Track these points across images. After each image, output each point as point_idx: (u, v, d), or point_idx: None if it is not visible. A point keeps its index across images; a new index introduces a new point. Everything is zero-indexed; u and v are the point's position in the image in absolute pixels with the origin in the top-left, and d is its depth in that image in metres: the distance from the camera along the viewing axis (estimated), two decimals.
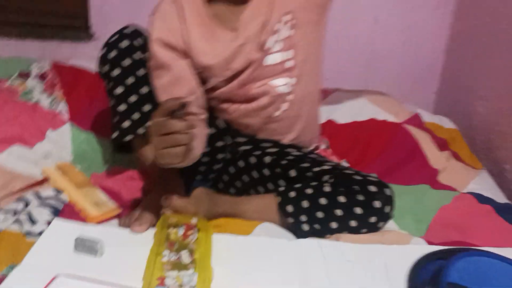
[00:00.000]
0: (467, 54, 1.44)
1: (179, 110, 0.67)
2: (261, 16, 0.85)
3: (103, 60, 0.89)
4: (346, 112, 1.20)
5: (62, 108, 1.08)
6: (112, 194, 0.93)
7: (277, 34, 0.86)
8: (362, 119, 1.18)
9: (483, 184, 1.04)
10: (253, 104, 0.91)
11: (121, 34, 0.89)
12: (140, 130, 0.88)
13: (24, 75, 1.14)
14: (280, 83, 0.90)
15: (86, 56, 1.54)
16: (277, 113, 0.92)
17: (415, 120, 1.22)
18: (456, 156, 1.14)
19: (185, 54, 0.87)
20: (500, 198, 1.01)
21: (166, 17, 0.86)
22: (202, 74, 0.89)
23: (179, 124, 0.68)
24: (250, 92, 0.89)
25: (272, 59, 0.87)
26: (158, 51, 0.86)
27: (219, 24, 0.86)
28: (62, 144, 1.03)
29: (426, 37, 1.56)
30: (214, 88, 0.91)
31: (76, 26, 1.57)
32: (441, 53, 1.57)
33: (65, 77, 1.15)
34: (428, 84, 1.61)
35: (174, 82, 0.87)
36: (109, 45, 0.88)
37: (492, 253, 0.71)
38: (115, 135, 0.89)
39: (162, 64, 0.87)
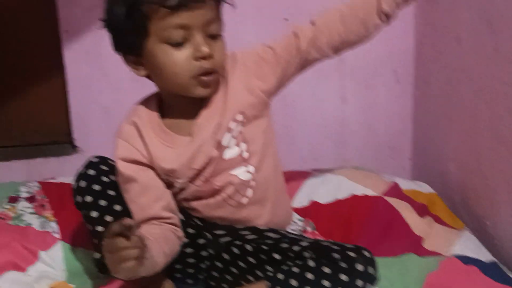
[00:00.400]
0: (433, 119, 1.52)
1: (126, 230, 0.74)
2: (215, 119, 0.94)
3: (75, 191, 0.98)
4: (327, 192, 1.25)
5: (53, 228, 1.11)
6: None
7: (231, 132, 0.95)
8: (344, 197, 1.23)
9: (467, 244, 1.08)
10: (220, 196, 0.97)
11: (87, 164, 0.99)
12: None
13: (14, 199, 1.18)
14: (241, 172, 0.97)
15: (72, 170, 1.59)
16: (244, 200, 0.98)
17: (394, 190, 1.27)
18: (438, 220, 1.19)
19: (149, 165, 0.95)
20: (485, 256, 1.04)
21: (127, 137, 0.95)
22: (168, 179, 0.96)
23: (124, 242, 0.74)
24: (214, 186, 0.96)
25: (229, 153, 0.95)
26: (123, 167, 0.94)
27: (176, 132, 0.95)
28: (55, 264, 1.05)
29: (393, 107, 1.66)
30: (181, 189, 0.97)
31: (60, 142, 1.64)
32: (409, 120, 1.66)
33: (54, 196, 1.19)
34: (402, 150, 1.68)
35: (141, 192, 0.94)
36: (78, 177, 0.98)
37: None
38: (97, 256, 0.95)
39: (128, 178, 0.94)
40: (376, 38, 1.60)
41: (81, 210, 0.98)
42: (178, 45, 0.87)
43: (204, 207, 0.98)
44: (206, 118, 0.94)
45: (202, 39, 0.87)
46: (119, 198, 0.95)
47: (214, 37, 0.89)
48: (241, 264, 0.96)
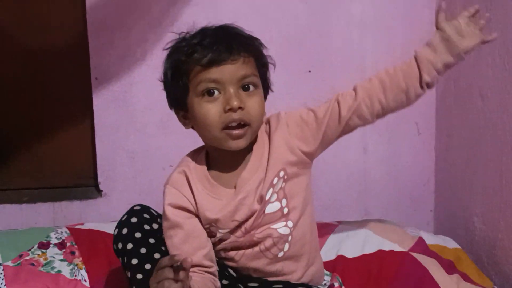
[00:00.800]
0: (455, 172, 1.53)
1: (175, 264, 0.79)
2: (258, 174, 0.97)
3: (116, 239, 1.01)
4: (354, 246, 1.25)
5: (83, 275, 1.12)
6: None
7: (273, 187, 0.98)
8: (371, 251, 1.23)
9: None
10: (258, 248, 0.99)
11: (130, 212, 1.03)
12: None
13: (44, 245, 1.19)
14: (280, 226, 0.99)
15: (96, 214, 1.62)
16: (280, 254, 1.00)
17: (420, 245, 1.26)
18: (465, 277, 1.18)
19: (194, 213, 0.98)
20: None
21: (176, 184, 0.99)
22: (211, 228, 0.99)
23: (172, 273, 0.79)
24: (254, 238, 0.98)
25: (270, 208, 0.98)
26: (171, 213, 0.97)
27: (221, 184, 0.99)
28: None
29: (415, 159, 1.67)
30: (221, 240, 1.00)
31: (86, 185, 1.66)
32: (432, 172, 1.67)
33: (83, 243, 1.21)
34: (424, 202, 1.69)
35: (185, 239, 0.96)
36: (120, 224, 1.01)
37: None
38: None
39: (175, 223, 0.97)
40: None
41: (121, 257, 1.00)
42: (211, 98, 0.92)
43: (241, 257, 1.00)
44: (250, 172, 0.97)
45: (233, 92, 0.91)
46: (159, 246, 0.98)
47: (248, 90, 0.93)
48: None
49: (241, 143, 0.94)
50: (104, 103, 1.58)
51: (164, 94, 1.55)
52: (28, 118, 1.67)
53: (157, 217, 1.03)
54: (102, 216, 1.56)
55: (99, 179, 1.63)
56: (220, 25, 0.96)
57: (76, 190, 1.66)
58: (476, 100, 1.39)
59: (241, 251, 0.99)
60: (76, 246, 1.20)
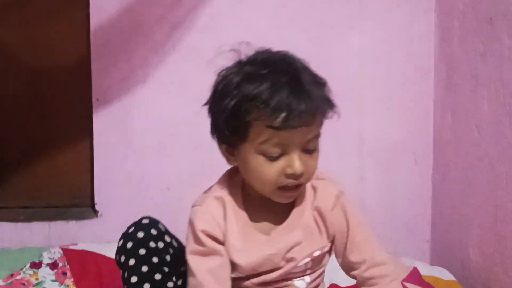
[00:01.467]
0: (452, 204, 1.53)
1: None
2: (296, 235, 0.92)
3: (120, 251, 0.96)
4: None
5: None
6: None
7: (311, 257, 0.94)
8: None
9: None
10: None
11: (137, 225, 0.97)
12: None
13: (36, 265, 1.19)
14: (298, 280, 0.96)
15: (92, 234, 1.61)
16: None
17: (414, 276, 1.26)
18: None
19: (222, 246, 0.92)
20: None
21: (212, 212, 0.91)
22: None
23: None
24: (269, 285, 0.94)
25: (295, 268, 0.94)
26: (206, 240, 0.89)
27: (255, 228, 0.93)
28: None
29: (412, 189, 1.67)
30: (233, 278, 0.94)
31: (82, 205, 1.66)
32: (428, 203, 1.67)
33: (75, 264, 1.20)
34: (420, 233, 1.68)
35: (222, 266, 0.90)
36: (126, 237, 0.96)
37: None
38: None
39: (213, 250, 0.90)
40: (396, 120, 1.67)
41: (121, 270, 0.96)
42: (273, 158, 0.84)
43: None
44: (288, 228, 0.92)
45: (298, 157, 0.84)
46: (161, 267, 0.94)
47: (311, 153, 0.87)
48: None
49: (291, 199, 0.91)
50: (104, 124, 1.60)
51: (163, 116, 1.61)
52: (27, 137, 1.69)
53: (164, 234, 0.97)
54: (97, 236, 1.55)
55: (96, 199, 1.63)
56: (291, 67, 0.86)
57: (72, 210, 1.66)
58: (472, 132, 1.40)
59: None
60: (68, 266, 1.19)
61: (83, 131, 1.64)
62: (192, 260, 0.90)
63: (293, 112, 0.81)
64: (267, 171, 0.85)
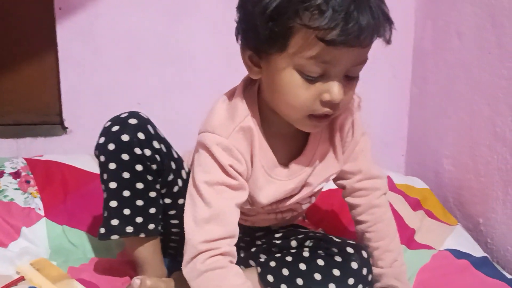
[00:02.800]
0: (429, 116, 1.51)
1: None
2: (314, 162, 0.86)
3: (100, 149, 0.84)
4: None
5: (37, 204, 1.08)
6: (91, 286, 0.92)
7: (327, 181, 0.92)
8: (335, 187, 1.20)
9: (459, 239, 1.07)
10: (274, 215, 0.94)
11: (123, 124, 0.83)
12: (129, 229, 0.85)
13: None
14: (305, 203, 0.95)
15: (60, 150, 1.57)
16: (288, 217, 0.97)
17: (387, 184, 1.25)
18: (430, 214, 1.17)
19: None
20: (477, 251, 1.03)
21: (239, 147, 0.79)
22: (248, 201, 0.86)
23: None
24: (276, 210, 0.92)
25: (311, 192, 0.91)
26: (236, 175, 0.79)
27: (276, 159, 0.84)
28: (37, 240, 1.02)
29: (390, 103, 1.64)
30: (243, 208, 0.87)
31: (50, 122, 1.60)
32: (405, 116, 1.65)
33: (39, 173, 1.16)
34: (396, 147, 1.67)
35: (234, 199, 0.80)
36: (108, 135, 0.83)
37: None
38: (102, 231, 0.87)
39: (241, 185, 0.80)
40: None
41: (101, 170, 0.85)
42: (310, 79, 0.71)
43: (255, 220, 0.94)
44: (308, 156, 0.85)
45: (339, 84, 0.71)
46: (144, 175, 0.84)
47: (352, 80, 0.75)
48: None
49: (317, 130, 0.81)
50: (69, 36, 1.51)
51: (133, 28, 1.53)
52: None
53: (153, 139, 0.84)
54: (66, 152, 1.51)
55: (64, 115, 1.57)
56: None
57: (41, 127, 1.60)
58: (453, 39, 1.35)
59: (259, 216, 0.92)
60: (32, 175, 1.15)
61: (47, 43, 1.55)
62: (215, 190, 0.77)
63: (353, 26, 0.66)
64: (301, 93, 0.72)
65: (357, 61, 0.72)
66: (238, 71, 1.62)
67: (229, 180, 0.78)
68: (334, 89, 0.71)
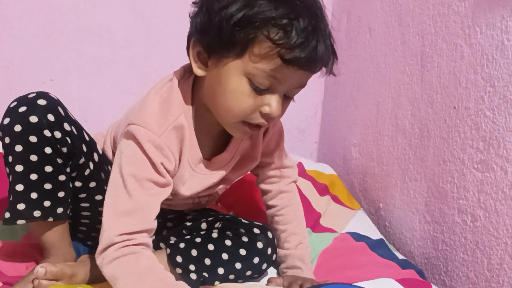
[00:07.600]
0: (340, 106, 1.59)
1: None
2: (233, 163, 0.91)
3: (4, 130, 0.79)
4: None
5: None
6: None
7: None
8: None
9: (360, 223, 1.14)
10: (191, 200, 0.95)
11: (30, 105, 0.78)
12: (36, 213, 0.83)
13: None
14: (221, 188, 0.97)
15: None
16: (204, 201, 1.00)
17: (298, 169, 1.30)
18: (336, 199, 1.24)
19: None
20: (375, 234, 1.11)
21: (170, 146, 0.80)
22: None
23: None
24: (195, 196, 0.93)
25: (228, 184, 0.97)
26: (165, 173, 0.80)
27: (202, 155, 0.86)
28: None
29: (305, 92, 1.69)
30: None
31: None
32: (319, 104, 1.72)
33: None
34: (310, 134, 1.74)
35: (159, 195, 0.80)
36: (14, 116, 0.78)
37: (348, 284, 0.78)
38: (7, 215, 0.83)
39: (168, 182, 0.81)
40: None
41: (5, 151, 0.80)
42: (258, 90, 0.74)
43: (170, 205, 0.95)
44: (230, 154, 0.90)
45: (279, 100, 0.76)
46: (54, 158, 0.81)
47: (288, 98, 0.79)
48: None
49: (246, 136, 0.86)
50: None
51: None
52: None
53: (64, 121, 0.81)
54: None
55: None
56: (316, 4, 0.76)
57: None
58: (365, 33, 1.43)
59: (172, 201, 0.91)
60: None
61: None
62: (141, 186, 0.77)
63: (311, 52, 0.71)
64: (244, 101, 0.75)
65: (300, 84, 0.77)
66: (158, 52, 1.60)
67: (158, 177, 0.79)
68: (274, 104, 0.75)
